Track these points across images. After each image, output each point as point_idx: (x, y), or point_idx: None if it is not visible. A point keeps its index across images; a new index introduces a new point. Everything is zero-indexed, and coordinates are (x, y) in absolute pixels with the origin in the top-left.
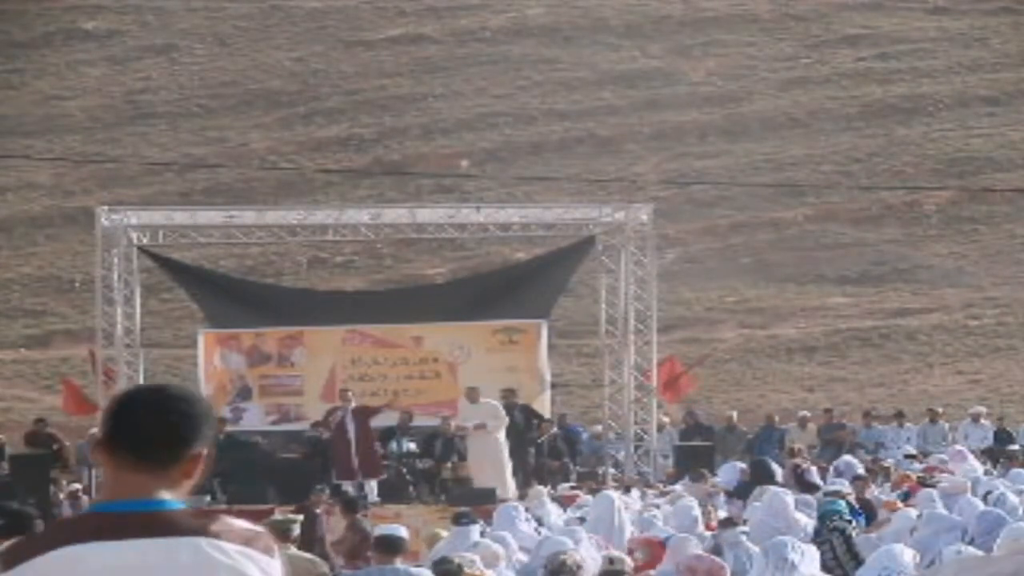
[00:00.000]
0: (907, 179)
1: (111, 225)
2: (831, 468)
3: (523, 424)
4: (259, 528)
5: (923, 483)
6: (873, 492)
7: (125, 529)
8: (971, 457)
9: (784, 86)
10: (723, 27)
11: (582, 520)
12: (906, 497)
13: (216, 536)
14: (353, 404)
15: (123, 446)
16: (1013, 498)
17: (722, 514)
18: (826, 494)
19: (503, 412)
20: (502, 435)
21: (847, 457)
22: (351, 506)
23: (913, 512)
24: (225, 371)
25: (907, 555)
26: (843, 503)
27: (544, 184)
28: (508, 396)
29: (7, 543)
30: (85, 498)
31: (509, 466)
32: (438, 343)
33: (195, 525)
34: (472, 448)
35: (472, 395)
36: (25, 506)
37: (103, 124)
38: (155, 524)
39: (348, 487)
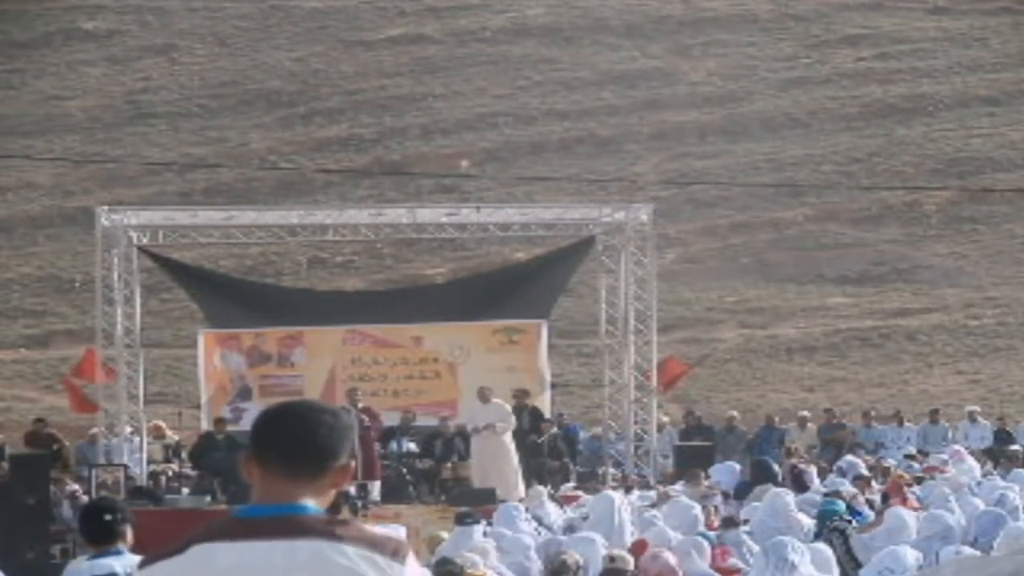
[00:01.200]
0: (907, 179)
1: (111, 225)
2: (835, 468)
3: (531, 426)
4: (395, 536)
5: (918, 480)
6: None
7: (256, 531)
8: (970, 457)
9: (784, 86)
10: (723, 27)
11: (584, 519)
12: (885, 499)
13: (340, 539)
14: (360, 405)
15: (272, 460)
16: (1013, 498)
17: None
18: (826, 494)
19: (512, 415)
20: (508, 437)
21: (850, 457)
22: None
23: (904, 511)
24: (225, 371)
25: (910, 556)
26: (842, 503)
27: (544, 184)
28: (520, 397)
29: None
30: (85, 498)
31: (517, 468)
32: (438, 343)
33: (322, 529)
34: (476, 449)
35: (483, 395)
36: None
37: (103, 124)
38: (284, 527)
39: (350, 488)
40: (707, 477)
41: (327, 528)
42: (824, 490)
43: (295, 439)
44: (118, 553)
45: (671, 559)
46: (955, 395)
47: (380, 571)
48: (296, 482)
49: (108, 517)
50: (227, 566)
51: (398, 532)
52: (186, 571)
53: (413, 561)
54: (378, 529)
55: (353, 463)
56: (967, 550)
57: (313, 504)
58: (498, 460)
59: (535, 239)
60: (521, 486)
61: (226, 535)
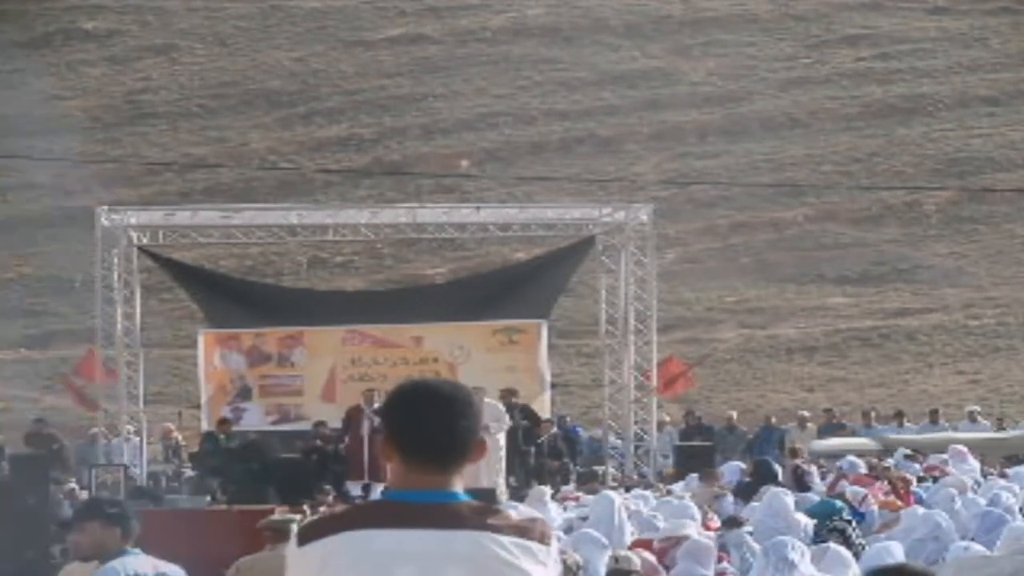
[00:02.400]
0: (907, 179)
1: (111, 225)
2: (835, 468)
3: (523, 424)
4: (536, 516)
5: (919, 480)
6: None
7: (413, 518)
8: (971, 457)
9: (784, 86)
10: (723, 27)
11: (584, 519)
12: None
13: (495, 530)
14: (376, 406)
15: (421, 451)
16: (1008, 497)
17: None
18: (828, 494)
19: (506, 414)
20: (502, 437)
21: (851, 457)
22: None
23: (922, 510)
24: (225, 371)
25: (901, 553)
26: (841, 503)
27: (544, 184)
28: (507, 396)
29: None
30: (85, 497)
31: (503, 469)
32: (438, 343)
33: (476, 519)
34: None
35: (477, 395)
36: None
37: (103, 124)
38: (441, 515)
39: (356, 489)
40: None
41: (479, 518)
42: (826, 490)
43: (446, 433)
44: (138, 553)
45: (650, 557)
46: (955, 395)
47: (533, 557)
48: (446, 470)
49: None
50: (385, 550)
51: (533, 513)
52: (343, 552)
53: (555, 541)
54: (515, 514)
55: (483, 436)
56: (976, 547)
57: (458, 487)
58: (488, 460)
59: (535, 239)
60: (504, 487)
61: (382, 522)
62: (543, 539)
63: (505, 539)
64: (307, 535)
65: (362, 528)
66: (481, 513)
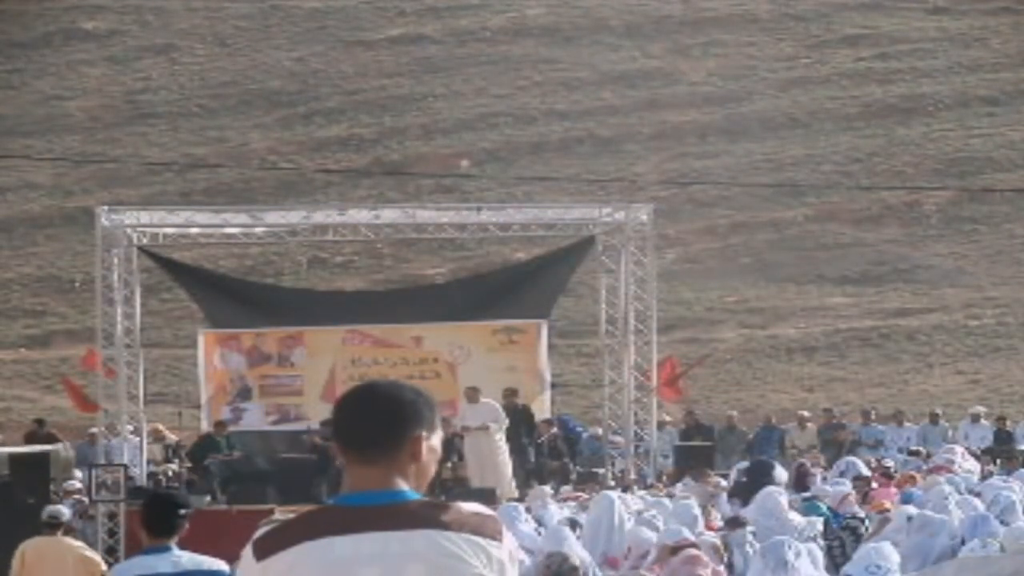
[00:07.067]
0: (907, 179)
1: (111, 225)
2: (834, 468)
3: (523, 424)
4: (488, 512)
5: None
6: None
7: (368, 522)
8: (971, 458)
9: (784, 86)
10: (723, 27)
11: (572, 522)
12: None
13: (447, 527)
14: None
15: (346, 445)
16: (1011, 496)
17: (724, 514)
18: (804, 499)
19: (503, 413)
20: (501, 436)
21: (850, 457)
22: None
23: (913, 510)
24: (225, 371)
25: (896, 554)
26: (823, 506)
27: (544, 184)
28: (509, 396)
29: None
30: (85, 499)
31: (508, 467)
32: (438, 343)
33: (429, 517)
34: (469, 449)
35: (472, 395)
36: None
37: (103, 124)
38: (395, 516)
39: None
40: (720, 475)
41: (432, 516)
42: (830, 490)
43: (355, 425)
44: (167, 549)
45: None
46: (955, 395)
47: (485, 552)
48: (375, 466)
49: (183, 512)
50: (347, 556)
51: (485, 508)
52: (308, 562)
53: (508, 535)
54: (468, 509)
55: (425, 434)
56: (995, 546)
57: (407, 486)
58: (490, 460)
59: (535, 239)
60: (511, 485)
61: (341, 528)
62: (494, 535)
63: (459, 537)
64: (266, 548)
65: (323, 536)
66: (433, 511)
